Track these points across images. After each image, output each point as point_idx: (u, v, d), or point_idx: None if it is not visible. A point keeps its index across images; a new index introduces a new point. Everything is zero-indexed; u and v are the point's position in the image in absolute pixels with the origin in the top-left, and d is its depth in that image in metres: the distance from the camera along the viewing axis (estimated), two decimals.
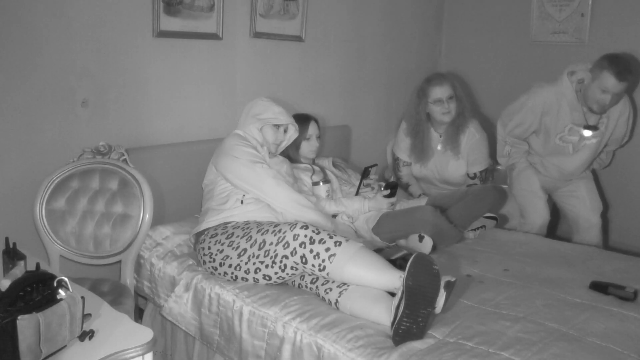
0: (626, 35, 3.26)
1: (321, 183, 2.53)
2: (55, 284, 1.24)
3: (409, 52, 3.86)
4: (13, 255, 1.53)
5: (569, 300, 1.96)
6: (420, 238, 2.36)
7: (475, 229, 2.66)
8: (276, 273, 1.95)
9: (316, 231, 1.89)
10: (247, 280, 2.02)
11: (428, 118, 3.06)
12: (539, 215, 3.00)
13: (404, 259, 2.00)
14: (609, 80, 2.59)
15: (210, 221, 2.19)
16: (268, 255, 1.94)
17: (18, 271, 1.30)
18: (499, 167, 3.33)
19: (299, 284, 2.02)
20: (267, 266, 1.95)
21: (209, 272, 2.12)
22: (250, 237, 2.02)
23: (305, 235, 1.88)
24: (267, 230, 1.99)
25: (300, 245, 1.87)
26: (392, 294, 1.80)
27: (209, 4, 2.64)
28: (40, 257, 1.80)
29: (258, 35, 2.90)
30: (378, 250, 2.11)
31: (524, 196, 3.06)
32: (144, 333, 1.31)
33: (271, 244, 1.94)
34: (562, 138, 2.89)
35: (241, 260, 2.01)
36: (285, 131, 2.44)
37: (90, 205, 2.17)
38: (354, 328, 1.72)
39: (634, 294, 1.97)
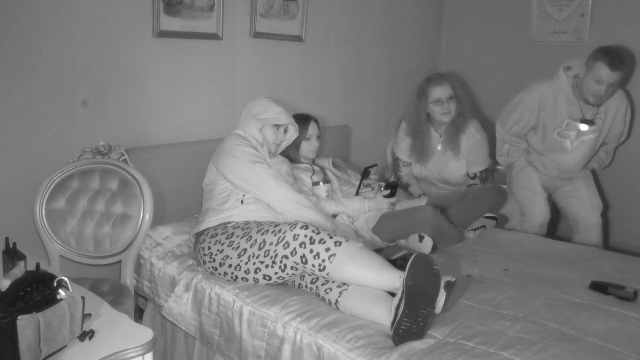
0: (626, 35, 3.26)
1: (321, 183, 2.53)
2: (55, 284, 1.24)
3: (409, 52, 3.86)
4: (13, 255, 1.53)
5: (569, 300, 1.96)
6: (420, 238, 2.36)
7: (475, 229, 2.66)
8: (276, 273, 1.95)
9: (316, 231, 1.89)
10: (247, 280, 2.02)
11: (428, 118, 3.06)
12: (540, 213, 3.00)
13: (404, 259, 2.00)
14: (603, 71, 2.63)
15: (210, 221, 2.19)
16: (268, 255, 1.94)
17: (18, 271, 1.30)
18: (499, 167, 3.33)
19: (299, 284, 2.02)
20: (267, 266, 1.95)
21: (209, 272, 2.12)
22: (250, 237, 2.02)
23: (305, 235, 1.88)
24: (267, 230, 1.99)
25: (300, 245, 1.87)
26: (392, 294, 1.80)
27: (209, 4, 2.64)
28: (40, 257, 1.80)
29: (258, 35, 2.90)
30: (378, 250, 2.11)
31: (524, 194, 3.07)
32: (144, 333, 1.30)
33: (271, 244, 1.94)
34: (560, 133, 2.91)
35: (241, 260, 2.01)
36: (285, 131, 2.44)
37: (90, 205, 2.17)
38: (354, 328, 1.72)
39: (634, 294, 1.97)
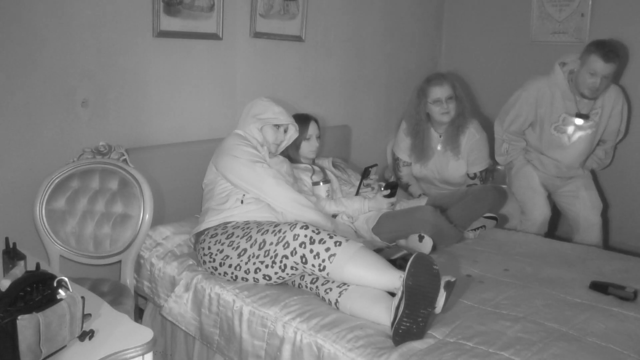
0: (626, 35, 3.26)
1: (321, 183, 2.53)
2: (55, 284, 1.24)
3: (409, 52, 3.86)
4: (13, 255, 1.53)
5: (569, 300, 1.96)
6: (420, 238, 2.36)
7: (475, 229, 2.66)
8: (276, 273, 1.95)
9: (316, 231, 1.89)
10: (247, 280, 2.02)
11: (428, 118, 3.07)
12: (540, 211, 3.00)
13: (404, 259, 2.00)
14: (597, 63, 2.67)
15: (210, 221, 2.19)
16: (268, 255, 1.94)
17: (18, 271, 1.30)
18: (499, 167, 3.33)
19: (299, 284, 2.02)
20: (267, 266, 1.95)
21: (209, 272, 2.12)
22: (250, 237, 2.02)
23: (305, 235, 1.88)
24: (267, 230, 1.99)
25: (300, 245, 1.87)
26: (392, 294, 1.80)
27: (209, 4, 2.64)
28: (40, 257, 1.80)
29: (258, 35, 2.90)
30: (378, 250, 2.11)
31: (524, 193, 3.07)
32: (144, 333, 1.30)
33: (271, 244, 1.94)
34: (557, 128, 2.93)
35: (241, 260, 2.01)
36: (285, 131, 2.44)
37: (90, 205, 2.17)
38: (354, 328, 1.72)
39: (634, 294, 1.97)
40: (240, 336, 1.92)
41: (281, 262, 1.92)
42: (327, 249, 1.84)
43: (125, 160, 2.24)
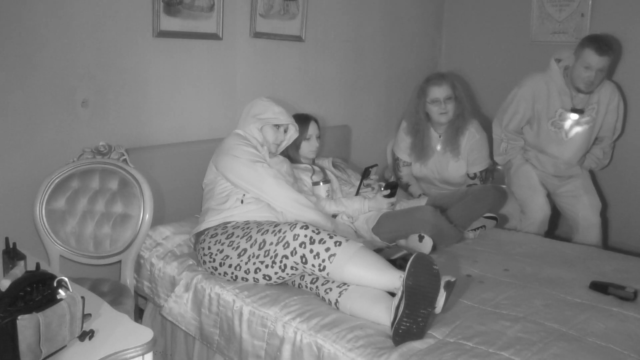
0: (626, 35, 3.26)
1: (321, 183, 2.53)
2: (55, 284, 1.24)
3: (409, 52, 3.86)
4: (13, 255, 1.53)
5: (569, 300, 1.96)
6: (420, 238, 2.36)
7: (475, 229, 2.66)
8: (276, 273, 1.95)
9: (316, 231, 1.89)
10: (247, 280, 2.02)
11: (427, 117, 3.07)
12: (540, 209, 3.00)
13: (404, 259, 2.00)
14: (591, 57, 2.71)
15: (210, 221, 2.19)
16: (268, 255, 1.94)
17: (18, 271, 1.30)
18: (499, 167, 3.33)
19: (299, 284, 2.02)
20: (267, 266, 1.95)
21: (209, 272, 2.12)
22: (250, 237, 2.02)
23: (305, 235, 1.88)
24: (267, 230, 1.99)
25: (300, 245, 1.87)
26: (392, 294, 1.80)
27: (209, 4, 2.64)
28: (40, 257, 1.80)
29: (258, 35, 2.90)
30: (378, 250, 2.11)
31: (523, 192, 3.07)
32: (144, 333, 1.30)
33: (271, 244, 1.94)
34: (554, 123, 2.96)
35: (241, 260, 2.01)
36: (285, 131, 2.44)
37: (90, 205, 2.17)
38: (354, 328, 1.72)
39: (634, 294, 1.97)
40: (240, 336, 1.92)
41: (281, 262, 1.92)
42: (327, 249, 1.84)
43: (125, 160, 2.24)
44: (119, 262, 2.18)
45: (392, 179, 3.28)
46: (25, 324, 1.14)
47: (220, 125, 2.80)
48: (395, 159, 3.26)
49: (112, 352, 1.23)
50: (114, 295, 2.03)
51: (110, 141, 2.30)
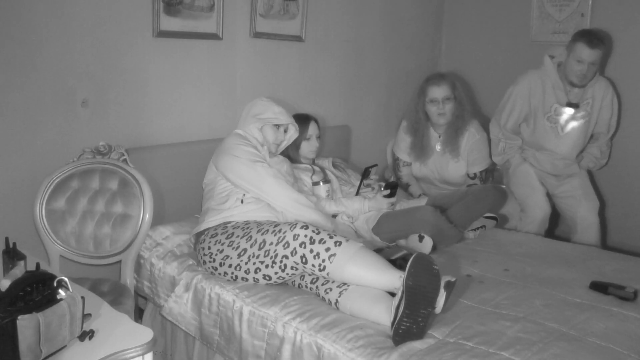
0: (626, 35, 3.26)
1: (321, 183, 2.53)
2: (55, 284, 1.24)
3: (409, 52, 3.86)
4: (13, 255, 1.53)
5: (569, 300, 1.96)
6: (420, 238, 2.36)
7: (475, 229, 2.66)
8: (276, 273, 1.95)
9: (316, 231, 1.89)
10: (247, 280, 2.02)
11: (427, 117, 3.07)
12: (540, 207, 3.01)
13: (404, 259, 2.00)
14: (583, 50, 2.77)
15: (211, 221, 2.19)
16: (268, 255, 1.94)
17: (18, 271, 1.29)
18: (498, 167, 3.34)
19: (299, 284, 2.02)
20: (267, 266, 1.95)
21: (209, 272, 2.12)
22: (251, 237, 2.02)
23: (306, 235, 1.88)
24: (267, 230, 1.99)
25: (300, 245, 1.87)
26: (392, 294, 1.80)
27: (209, 4, 2.64)
28: (40, 257, 1.80)
29: (258, 35, 2.90)
30: (378, 250, 2.11)
31: (523, 191, 3.08)
32: (144, 333, 1.30)
33: (271, 244, 1.94)
34: (550, 118, 3.00)
35: (241, 260, 2.01)
36: (285, 131, 2.44)
37: (90, 205, 2.17)
38: (354, 328, 1.72)
39: (634, 294, 1.97)
40: (240, 336, 1.92)
41: (281, 262, 1.91)
42: (327, 249, 1.84)
43: (125, 160, 2.24)
44: (119, 262, 2.18)
45: (392, 179, 3.28)
46: (25, 324, 1.14)
47: (220, 125, 2.80)
48: (395, 159, 3.26)
49: (112, 352, 1.23)
50: (114, 295, 2.03)
51: (110, 141, 2.30)
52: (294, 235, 1.89)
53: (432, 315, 1.73)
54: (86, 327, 1.29)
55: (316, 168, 2.62)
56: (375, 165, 2.70)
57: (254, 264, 1.98)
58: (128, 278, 2.17)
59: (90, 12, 2.28)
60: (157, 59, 2.53)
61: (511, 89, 3.09)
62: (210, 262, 2.09)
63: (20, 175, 2.20)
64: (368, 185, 2.63)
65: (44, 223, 2.10)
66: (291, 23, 3.04)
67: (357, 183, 2.65)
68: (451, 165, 3.06)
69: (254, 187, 2.20)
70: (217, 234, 2.12)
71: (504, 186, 3.15)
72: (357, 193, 2.60)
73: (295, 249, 1.88)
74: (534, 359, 1.56)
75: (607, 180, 3.41)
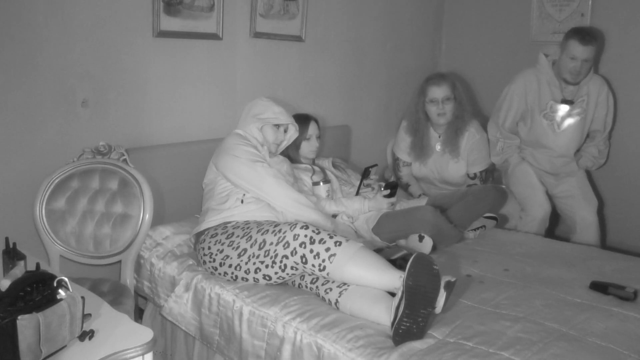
0: (626, 35, 3.26)
1: (321, 183, 2.53)
2: (55, 284, 1.24)
3: (409, 52, 3.86)
4: (13, 255, 1.53)
5: (569, 300, 1.96)
6: (420, 238, 2.36)
7: (475, 229, 2.66)
8: (276, 273, 1.95)
9: (316, 231, 1.89)
10: (247, 280, 2.02)
11: (427, 117, 3.07)
12: (540, 206, 3.01)
13: (404, 259, 2.00)
14: (576, 48, 2.81)
15: (211, 221, 2.19)
16: (268, 255, 1.94)
17: (18, 271, 1.29)
18: (497, 167, 3.34)
19: (299, 284, 2.02)
20: (267, 266, 1.95)
21: (209, 272, 2.12)
22: (251, 237, 2.02)
23: (306, 235, 1.88)
24: (267, 230, 1.99)
25: (300, 245, 1.87)
26: (392, 294, 1.80)
27: (209, 4, 2.64)
28: (40, 257, 1.80)
29: (258, 35, 2.90)
30: (378, 250, 2.11)
31: (523, 190, 3.08)
32: (144, 333, 1.30)
33: (271, 243, 1.94)
34: (546, 115, 3.02)
35: (241, 260, 2.01)
36: (285, 131, 2.44)
37: (90, 205, 2.17)
38: (354, 328, 1.72)
39: (634, 294, 1.97)
40: (240, 336, 1.92)
41: (281, 262, 1.91)
42: (327, 249, 1.84)
43: (125, 160, 2.24)
44: (119, 262, 2.18)
45: (392, 179, 3.28)
46: (25, 324, 1.14)
47: (220, 125, 2.80)
48: (395, 159, 3.26)
49: (112, 352, 1.23)
50: (114, 295, 2.03)
51: (110, 141, 2.30)
52: (294, 235, 1.89)
53: (432, 315, 1.73)
54: (86, 327, 1.29)
55: (316, 168, 2.62)
56: (375, 165, 2.70)
57: (254, 264, 1.98)
58: (128, 278, 2.17)
59: (90, 12, 2.28)
60: (157, 59, 2.53)
61: (507, 88, 3.11)
62: (210, 262, 2.09)
63: (20, 175, 2.20)
64: (368, 185, 2.63)
65: (44, 223, 2.10)
66: (291, 23, 3.04)
67: (357, 183, 2.65)
68: (451, 165, 3.06)
69: (254, 187, 2.20)
70: (217, 234, 2.12)
71: (504, 186, 3.15)
72: (357, 193, 2.60)
73: (295, 249, 1.88)
74: (534, 359, 1.56)
75: (606, 179, 3.42)
